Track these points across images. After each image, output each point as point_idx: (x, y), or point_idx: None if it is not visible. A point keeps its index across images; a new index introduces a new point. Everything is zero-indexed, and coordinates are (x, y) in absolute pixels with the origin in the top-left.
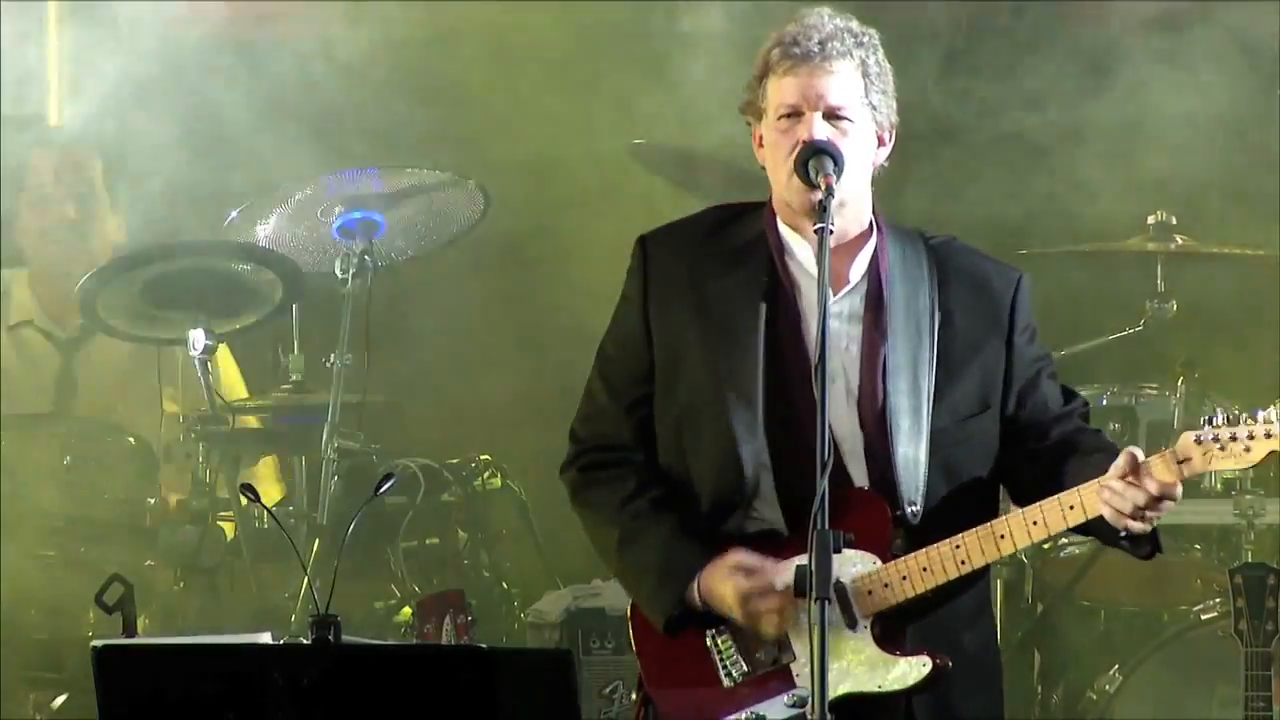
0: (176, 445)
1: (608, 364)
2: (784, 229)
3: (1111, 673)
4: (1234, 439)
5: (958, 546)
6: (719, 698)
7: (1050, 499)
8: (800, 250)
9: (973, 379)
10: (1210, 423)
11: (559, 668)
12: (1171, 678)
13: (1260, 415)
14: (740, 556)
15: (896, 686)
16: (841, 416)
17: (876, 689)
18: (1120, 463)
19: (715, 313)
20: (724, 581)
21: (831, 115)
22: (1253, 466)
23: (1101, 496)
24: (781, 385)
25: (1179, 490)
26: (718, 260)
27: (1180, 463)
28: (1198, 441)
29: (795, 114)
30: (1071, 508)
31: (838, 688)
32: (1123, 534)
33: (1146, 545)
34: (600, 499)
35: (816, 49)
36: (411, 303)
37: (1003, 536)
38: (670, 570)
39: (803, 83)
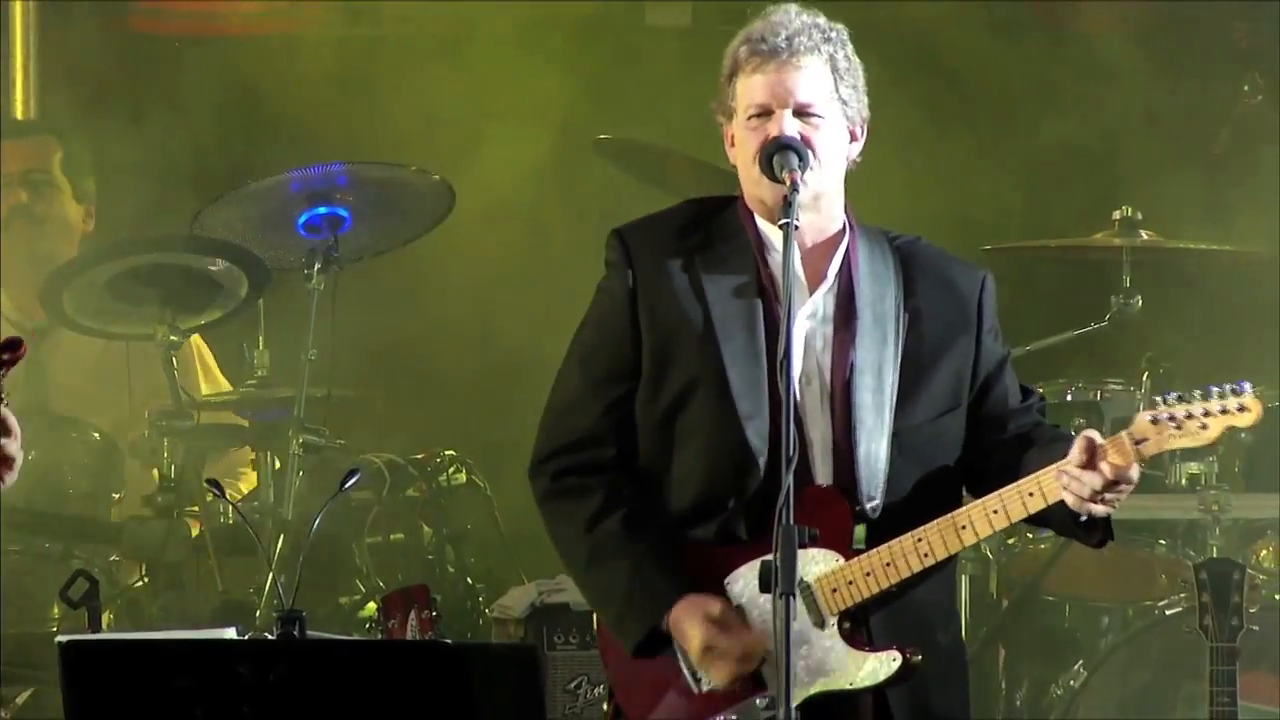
0: (141, 440)
1: (587, 357)
2: (763, 225)
3: (1076, 668)
4: (1190, 417)
5: (919, 540)
6: (691, 705)
7: (1010, 487)
8: (779, 245)
9: (944, 377)
10: (1165, 401)
11: (524, 663)
12: (1136, 673)
13: (1214, 392)
14: (718, 609)
15: (868, 683)
16: (815, 417)
17: (848, 686)
18: (1078, 446)
19: (712, 305)
20: (695, 625)
21: (801, 112)
22: (1209, 444)
23: (1060, 481)
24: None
25: (1135, 472)
26: (703, 253)
27: (1137, 443)
28: (1154, 421)
29: (765, 112)
30: (1031, 494)
31: (809, 687)
32: (1083, 518)
33: (1099, 533)
34: (568, 513)
35: (784, 45)
36: (376, 297)
37: (964, 527)
38: (640, 600)
39: (771, 80)
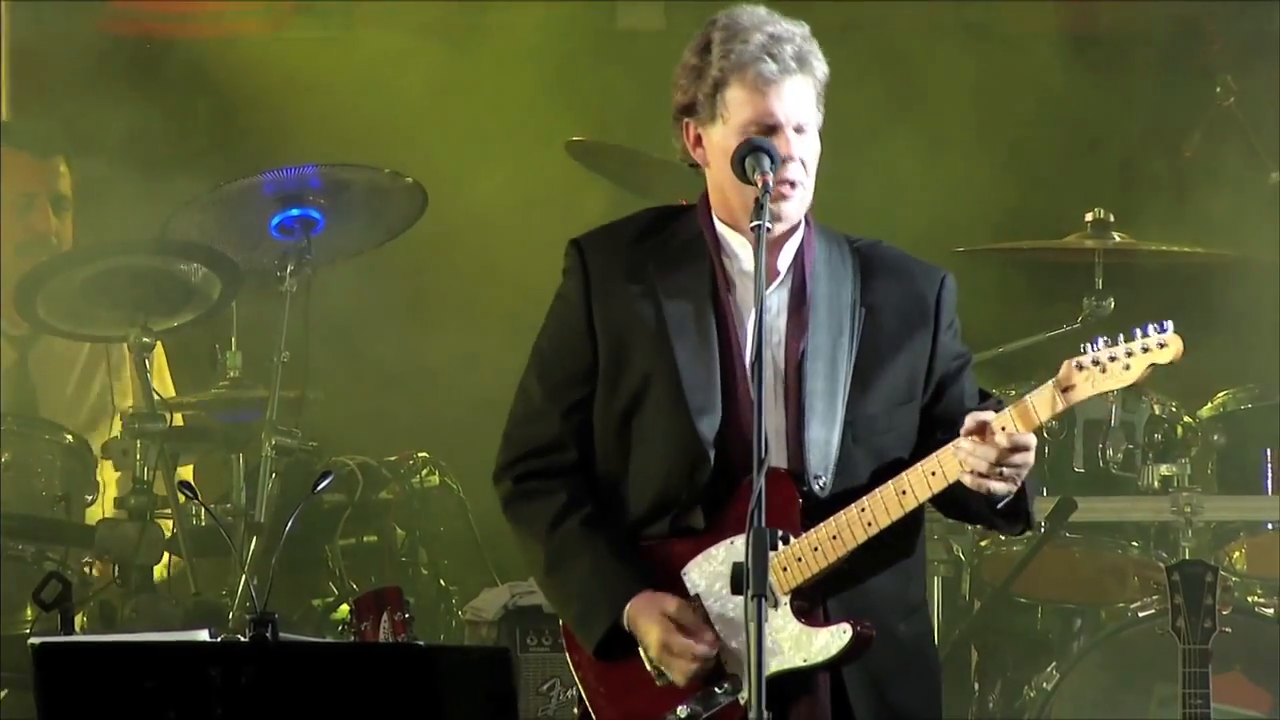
0: (114, 442)
1: (545, 364)
2: (721, 227)
3: (1049, 670)
4: (1113, 359)
5: (863, 509)
6: (655, 697)
7: (945, 448)
8: (737, 248)
9: (899, 370)
10: (1093, 346)
11: (496, 665)
12: (1109, 675)
13: (1137, 333)
14: (674, 607)
15: (821, 658)
16: (770, 408)
17: (803, 663)
18: (966, 424)
19: (665, 306)
20: (651, 623)
21: (799, 129)
22: (1134, 383)
23: (957, 458)
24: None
25: (1031, 439)
26: (659, 259)
27: (1065, 391)
28: (1079, 367)
29: (769, 130)
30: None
31: (766, 669)
32: (999, 504)
33: (1021, 523)
34: (530, 516)
35: (794, 65)
36: (349, 300)
37: (904, 492)
38: (599, 599)
39: (780, 101)
